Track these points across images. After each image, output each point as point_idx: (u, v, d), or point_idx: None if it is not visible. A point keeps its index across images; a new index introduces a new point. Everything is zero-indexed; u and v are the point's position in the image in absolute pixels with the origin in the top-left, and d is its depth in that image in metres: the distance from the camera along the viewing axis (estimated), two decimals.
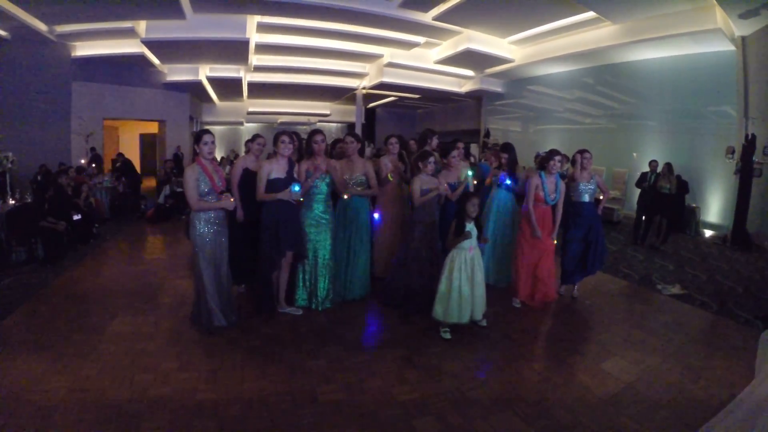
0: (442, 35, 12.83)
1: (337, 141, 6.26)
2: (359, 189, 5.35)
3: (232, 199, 4.48)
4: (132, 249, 8.41)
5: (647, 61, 12.19)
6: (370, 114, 23.02)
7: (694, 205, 10.85)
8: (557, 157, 5.35)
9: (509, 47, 13.80)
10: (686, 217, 10.75)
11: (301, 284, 5.09)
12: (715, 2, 8.81)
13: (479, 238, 4.62)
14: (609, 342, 4.68)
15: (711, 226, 10.78)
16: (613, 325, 5.13)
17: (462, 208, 4.59)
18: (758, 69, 9.43)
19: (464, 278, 4.52)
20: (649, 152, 11.22)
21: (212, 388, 3.54)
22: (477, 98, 19.06)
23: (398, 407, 3.38)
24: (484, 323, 4.83)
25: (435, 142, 5.97)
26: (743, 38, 9.59)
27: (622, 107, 13.41)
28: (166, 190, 10.99)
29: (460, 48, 12.88)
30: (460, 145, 5.77)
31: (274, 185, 4.49)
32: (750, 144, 9.25)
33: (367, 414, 3.29)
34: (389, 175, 5.84)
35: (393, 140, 5.98)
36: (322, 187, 4.92)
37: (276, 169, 4.51)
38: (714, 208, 10.92)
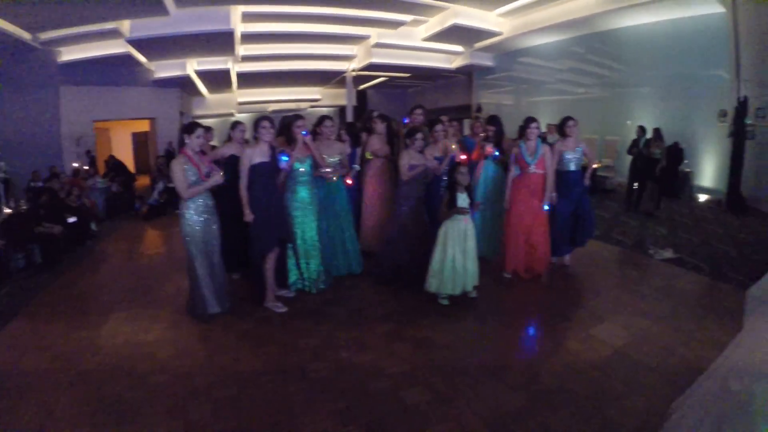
0: (429, 12, 12.69)
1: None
2: (329, 170, 5.40)
3: (220, 174, 4.50)
4: (129, 247, 8.46)
5: (637, 27, 12.02)
6: (362, 96, 22.85)
7: (687, 169, 10.82)
8: (533, 124, 5.37)
9: (497, 20, 13.63)
10: (680, 182, 10.72)
11: (294, 268, 5.14)
12: None
13: (471, 205, 4.67)
14: (599, 308, 4.72)
15: (705, 191, 10.72)
16: (604, 292, 5.18)
17: (452, 179, 4.65)
18: (750, 30, 9.32)
19: (458, 249, 4.60)
20: (643, 119, 11.08)
21: (207, 372, 3.63)
22: (467, 74, 18.88)
23: (387, 379, 3.45)
24: (473, 295, 4.87)
25: (420, 118, 6.02)
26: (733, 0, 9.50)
27: (614, 75, 13.28)
28: (160, 186, 11.00)
29: (448, 24, 12.70)
30: (444, 118, 5.83)
31: (259, 170, 4.51)
32: (742, 106, 9.19)
33: (356, 388, 3.36)
34: (367, 154, 6.04)
35: (376, 119, 6.14)
36: (306, 168, 4.95)
37: (258, 154, 4.52)
38: (708, 172, 10.83)
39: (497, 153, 5.87)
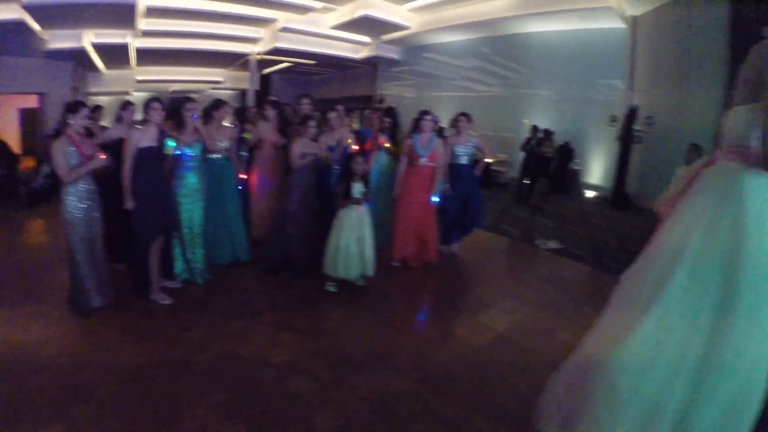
0: (340, 0, 12.69)
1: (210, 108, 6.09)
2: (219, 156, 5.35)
3: (103, 155, 4.24)
4: (8, 236, 7.77)
5: (542, 34, 12.73)
6: (265, 80, 22.37)
7: (577, 168, 11.61)
8: (428, 117, 5.52)
9: (407, 14, 13.90)
10: (570, 179, 11.52)
11: (179, 257, 4.95)
12: None
13: (365, 194, 4.73)
14: (486, 295, 4.97)
15: (593, 188, 11.60)
16: (490, 280, 5.45)
17: (348, 170, 4.70)
18: (646, 46, 10.24)
19: (352, 236, 4.67)
20: (539, 119, 11.78)
21: (89, 370, 3.42)
22: (373, 65, 19.05)
23: (272, 369, 3.44)
24: (361, 283, 4.95)
25: (307, 107, 5.91)
26: (635, 17, 10.35)
27: (515, 76, 13.96)
28: (45, 169, 10.16)
29: (358, 14, 12.81)
30: (340, 107, 5.89)
31: (146, 154, 4.30)
32: (632, 113, 10.07)
33: (240, 378, 3.33)
34: (246, 134, 6.05)
35: (267, 106, 6.07)
36: (196, 153, 4.80)
37: (146, 138, 4.31)
38: (596, 171, 11.77)
39: (387, 144, 6.03)
